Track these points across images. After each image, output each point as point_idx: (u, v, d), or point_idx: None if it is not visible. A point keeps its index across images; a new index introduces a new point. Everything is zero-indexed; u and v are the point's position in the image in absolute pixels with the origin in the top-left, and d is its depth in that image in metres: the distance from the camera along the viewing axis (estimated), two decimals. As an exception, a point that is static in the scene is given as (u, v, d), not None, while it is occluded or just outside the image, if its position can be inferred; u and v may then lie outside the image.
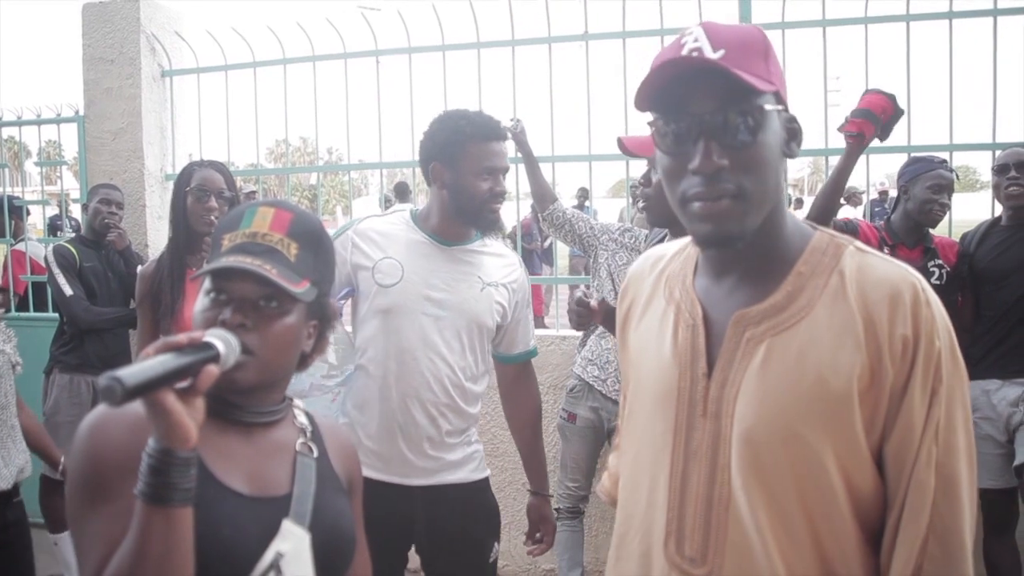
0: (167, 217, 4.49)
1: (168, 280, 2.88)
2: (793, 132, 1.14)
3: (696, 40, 1.07)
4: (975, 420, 3.11)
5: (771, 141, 1.08)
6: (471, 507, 2.26)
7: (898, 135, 3.49)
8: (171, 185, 4.48)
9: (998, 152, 3.26)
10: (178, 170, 4.54)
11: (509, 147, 2.27)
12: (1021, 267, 3.07)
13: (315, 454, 1.34)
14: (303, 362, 1.34)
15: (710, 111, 1.05)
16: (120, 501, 1.10)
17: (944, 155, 3.48)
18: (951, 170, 3.20)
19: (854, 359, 1.06)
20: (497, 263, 2.33)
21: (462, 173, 2.22)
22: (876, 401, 1.06)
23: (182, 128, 4.68)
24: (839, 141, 3.73)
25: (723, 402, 1.12)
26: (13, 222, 4.94)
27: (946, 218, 3.43)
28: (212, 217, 2.88)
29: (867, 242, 3.13)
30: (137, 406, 1.03)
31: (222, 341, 1.11)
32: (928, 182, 3.16)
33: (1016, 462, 2.99)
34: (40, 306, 4.64)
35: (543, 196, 3.44)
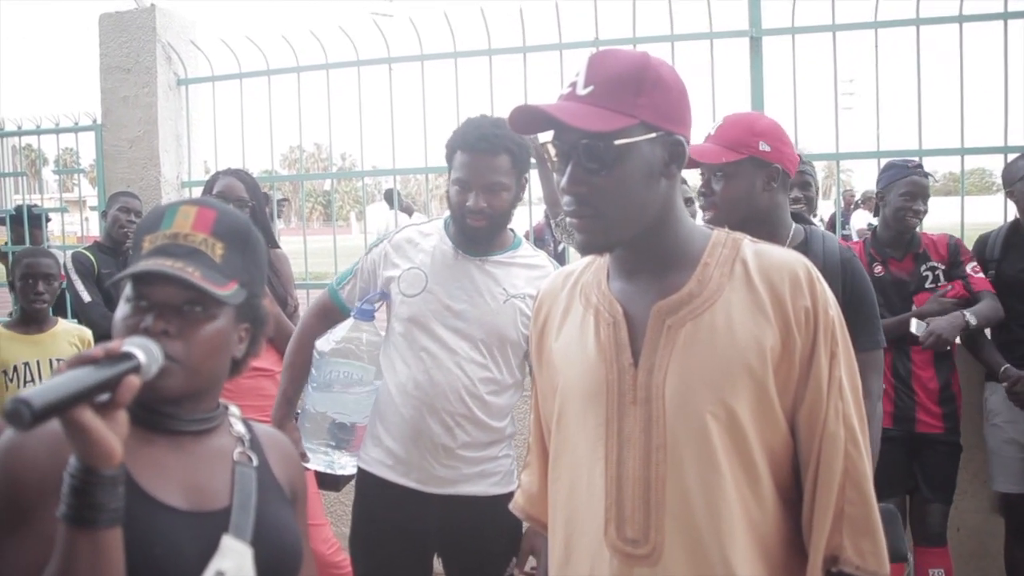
0: (183, 224, 4.56)
1: None
2: (675, 154, 1.24)
3: (577, 75, 1.23)
4: (999, 424, 3.11)
5: (632, 170, 1.20)
6: (488, 521, 2.21)
7: (909, 139, 3.50)
8: (187, 192, 4.57)
9: (1011, 155, 3.25)
10: (194, 177, 4.62)
11: (502, 163, 2.16)
12: None
13: (255, 463, 1.26)
14: (236, 368, 1.27)
15: (572, 142, 1.20)
16: (40, 525, 1.02)
17: (956, 159, 3.48)
18: (927, 174, 3.15)
19: (766, 332, 1.20)
20: (526, 274, 2.27)
21: (449, 179, 2.23)
22: (788, 369, 1.20)
23: (198, 135, 4.73)
24: (850, 145, 3.76)
25: (652, 387, 1.22)
26: (32, 230, 5.00)
27: (960, 221, 3.42)
28: None
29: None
30: (57, 423, 0.94)
31: (142, 350, 1.04)
32: (901, 189, 3.12)
33: None
34: (59, 312, 4.68)
35: (556, 201, 3.45)
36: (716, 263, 1.25)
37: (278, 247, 3.27)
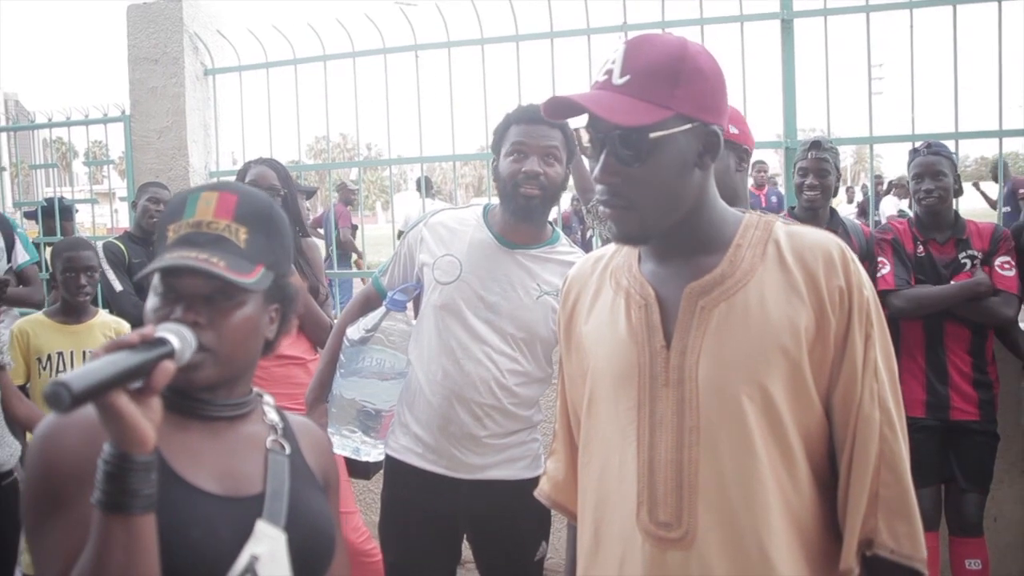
0: (212, 214, 4.58)
1: None
2: (710, 145, 1.22)
3: (613, 63, 1.21)
4: None
5: (666, 162, 1.19)
6: (518, 505, 2.18)
7: (944, 122, 3.44)
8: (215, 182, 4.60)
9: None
10: (222, 167, 4.64)
11: (556, 135, 2.16)
12: None
13: (288, 451, 1.27)
14: (268, 348, 1.27)
15: (607, 131, 1.19)
16: (77, 511, 1.03)
17: (993, 141, 3.41)
18: (937, 152, 3.08)
19: (800, 312, 1.19)
20: (562, 270, 2.19)
21: (501, 157, 2.21)
22: (823, 350, 1.19)
23: (225, 125, 4.74)
24: (882, 129, 3.70)
25: (685, 369, 1.21)
26: (63, 223, 5.05)
27: (999, 205, 3.35)
28: None
29: (903, 240, 3.08)
30: (91, 410, 0.96)
31: (176, 335, 1.05)
32: (912, 172, 3.11)
33: None
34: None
35: (587, 188, 3.43)
36: (748, 244, 1.25)
37: (309, 236, 3.27)
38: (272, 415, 1.31)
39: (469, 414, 2.18)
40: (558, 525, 2.43)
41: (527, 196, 2.15)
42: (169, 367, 1.01)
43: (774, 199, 9.50)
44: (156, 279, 1.17)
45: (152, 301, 1.17)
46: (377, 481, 2.46)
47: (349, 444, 2.34)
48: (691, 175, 1.22)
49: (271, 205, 1.26)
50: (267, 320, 1.24)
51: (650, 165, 1.19)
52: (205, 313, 1.14)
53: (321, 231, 8.72)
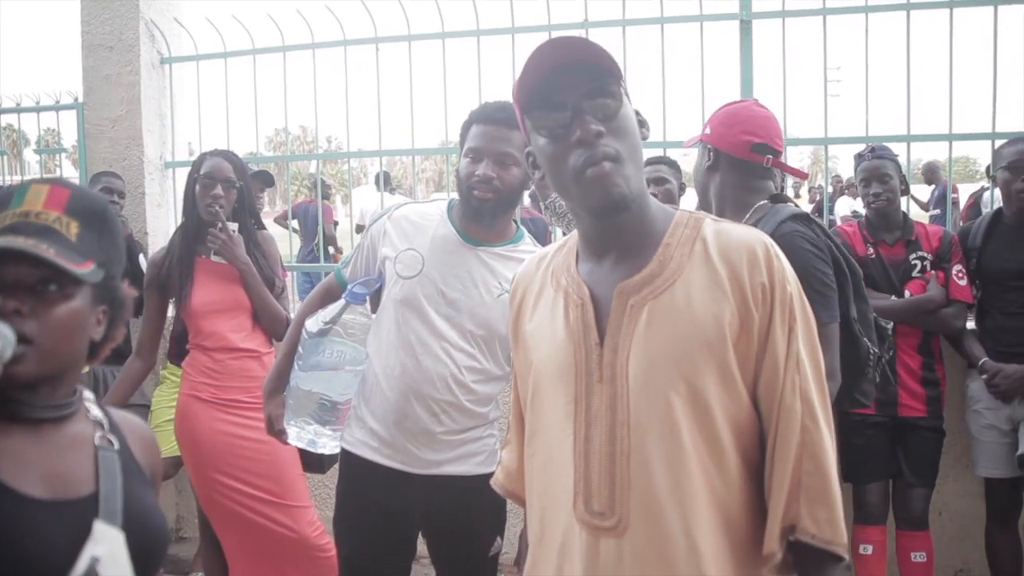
0: (167, 205, 4.52)
1: (177, 266, 2.97)
2: (641, 121, 1.34)
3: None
4: (979, 410, 3.12)
5: (631, 116, 1.28)
6: (472, 500, 2.20)
7: (897, 124, 3.51)
8: (171, 173, 4.53)
9: (998, 142, 3.25)
10: (177, 158, 4.57)
11: (516, 137, 2.10)
12: None
13: (116, 447, 1.23)
14: (93, 352, 1.23)
15: (580, 95, 1.24)
16: None
17: (942, 146, 3.48)
18: (881, 156, 3.15)
19: (724, 308, 1.23)
20: None
21: (461, 155, 2.21)
22: (747, 344, 1.24)
23: (181, 116, 4.66)
24: (838, 130, 3.76)
25: (616, 366, 1.26)
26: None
27: (946, 207, 3.43)
28: (217, 206, 2.90)
29: (853, 242, 3.14)
30: None
31: None
32: (859, 176, 3.19)
33: (1020, 451, 2.99)
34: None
35: (545, 185, 3.43)
36: (677, 243, 1.29)
37: (264, 228, 3.24)
38: (95, 411, 1.26)
39: (425, 410, 2.17)
40: (513, 520, 2.44)
41: (480, 199, 2.14)
42: None
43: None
44: None
45: None
46: (332, 475, 2.44)
47: (305, 436, 2.32)
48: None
49: (106, 205, 1.23)
50: (94, 320, 1.20)
51: (623, 115, 1.27)
52: (29, 303, 1.09)
53: (294, 223, 8.65)
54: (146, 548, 1.19)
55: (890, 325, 2.39)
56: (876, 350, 2.22)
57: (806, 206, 12.80)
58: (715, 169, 2.23)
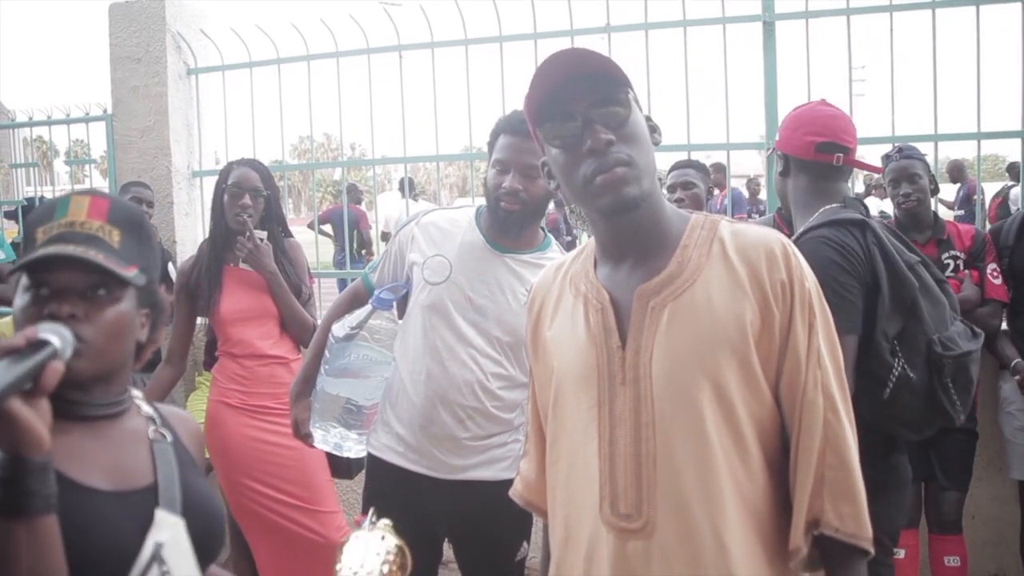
0: (194, 214, 4.57)
1: (206, 275, 3.02)
2: (652, 127, 1.35)
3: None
4: (1012, 412, 3.08)
5: (642, 122, 1.31)
6: (498, 505, 2.14)
7: (924, 124, 3.47)
8: (198, 182, 4.58)
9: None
10: (205, 167, 4.62)
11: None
12: None
13: (169, 439, 1.30)
14: (139, 353, 1.29)
15: (589, 104, 1.26)
16: None
17: (972, 143, 3.44)
18: (909, 155, 3.12)
19: (745, 306, 1.24)
20: None
21: (489, 164, 2.21)
22: (769, 342, 1.25)
23: (208, 125, 4.72)
24: (865, 130, 3.71)
25: (639, 367, 1.27)
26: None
27: (978, 206, 3.38)
28: (245, 215, 2.93)
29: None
30: None
31: (55, 335, 1.05)
32: (888, 177, 3.16)
33: None
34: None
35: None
36: (695, 244, 1.31)
37: (291, 236, 3.27)
38: (146, 408, 1.33)
39: (451, 415, 2.18)
40: (539, 525, 2.43)
41: (507, 211, 2.15)
42: (58, 367, 1.01)
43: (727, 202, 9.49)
44: (24, 277, 1.16)
45: (21, 299, 1.16)
46: (359, 481, 2.46)
47: (330, 439, 2.34)
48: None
49: (142, 214, 1.29)
50: (139, 323, 1.25)
51: (634, 121, 1.28)
52: (81, 307, 1.15)
53: (327, 228, 8.66)
54: (205, 532, 1.26)
55: (952, 352, 2.06)
56: (912, 374, 2.01)
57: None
58: (787, 174, 2.22)
